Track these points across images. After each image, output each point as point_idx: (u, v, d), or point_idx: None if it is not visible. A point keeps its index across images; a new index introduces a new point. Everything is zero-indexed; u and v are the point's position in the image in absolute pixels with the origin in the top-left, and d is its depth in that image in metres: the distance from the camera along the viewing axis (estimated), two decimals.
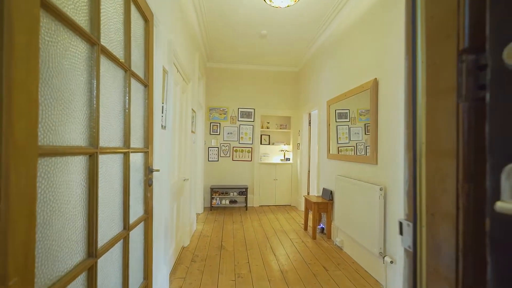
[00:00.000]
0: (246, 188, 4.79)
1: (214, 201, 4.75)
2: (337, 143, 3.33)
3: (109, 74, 0.88)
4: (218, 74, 5.09)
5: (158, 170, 1.31)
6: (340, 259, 2.67)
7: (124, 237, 0.98)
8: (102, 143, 0.82)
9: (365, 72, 2.58)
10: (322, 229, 3.52)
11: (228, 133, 5.09)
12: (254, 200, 5.08)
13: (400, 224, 0.54)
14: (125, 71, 1.00)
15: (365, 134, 2.69)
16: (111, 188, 0.90)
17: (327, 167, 3.53)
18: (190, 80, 3.02)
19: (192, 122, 3.32)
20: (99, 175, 0.79)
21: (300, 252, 2.83)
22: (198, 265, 2.45)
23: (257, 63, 5.06)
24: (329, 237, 3.30)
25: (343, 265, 2.55)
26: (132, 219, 1.08)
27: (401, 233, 0.55)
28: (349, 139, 3.07)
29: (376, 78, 2.39)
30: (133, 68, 1.07)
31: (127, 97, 1.00)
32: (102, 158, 0.81)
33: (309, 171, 4.93)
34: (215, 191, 4.80)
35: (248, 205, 5.01)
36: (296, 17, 3.29)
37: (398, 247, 2.00)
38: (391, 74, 2.18)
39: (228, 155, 5.08)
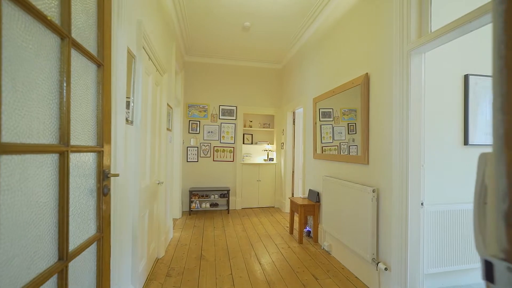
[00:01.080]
0: (228, 190, 4.53)
1: (193, 204, 4.42)
2: (321, 142, 3.23)
3: (30, 37, 0.60)
4: (197, 68, 4.77)
5: (117, 175, 1.03)
6: (329, 265, 2.51)
7: (59, 271, 0.70)
8: (10, 136, 0.54)
9: (356, 67, 2.44)
10: (309, 232, 3.36)
11: (209, 132, 4.79)
12: (236, 202, 4.82)
13: (489, 265, 0.34)
14: (62, 38, 0.71)
15: (348, 133, 2.65)
16: (34, 204, 0.62)
17: (313, 168, 3.38)
18: (166, 72, 2.70)
19: (168, 119, 3.00)
20: (3, 187, 0.51)
21: (287, 259, 2.63)
22: (174, 281, 2.16)
23: (240, 59, 4.81)
24: (316, 241, 3.14)
25: (332, 271, 2.39)
26: (75, 243, 0.79)
27: (489, 279, 0.34)
28: (333, 139, 2.99)
29: (367, 73, 2.25)
30: (76, 37, 0.79)
31: (64, 75, 0.72)
32: (9, 160, 0.53)
33: (293, 172, 4.77)
34: (194, 194, 4.47)
35: (230, 208, 4.75)
36: (282, 8, 3.09)
37: (393, 253, 1.86)
38: (384, 69, 2.05)
39: (208, 155, 4.78)
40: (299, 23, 3.44)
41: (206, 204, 4.52)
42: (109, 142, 1.02)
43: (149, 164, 2.18)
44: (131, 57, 1.52)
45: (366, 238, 2.12)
